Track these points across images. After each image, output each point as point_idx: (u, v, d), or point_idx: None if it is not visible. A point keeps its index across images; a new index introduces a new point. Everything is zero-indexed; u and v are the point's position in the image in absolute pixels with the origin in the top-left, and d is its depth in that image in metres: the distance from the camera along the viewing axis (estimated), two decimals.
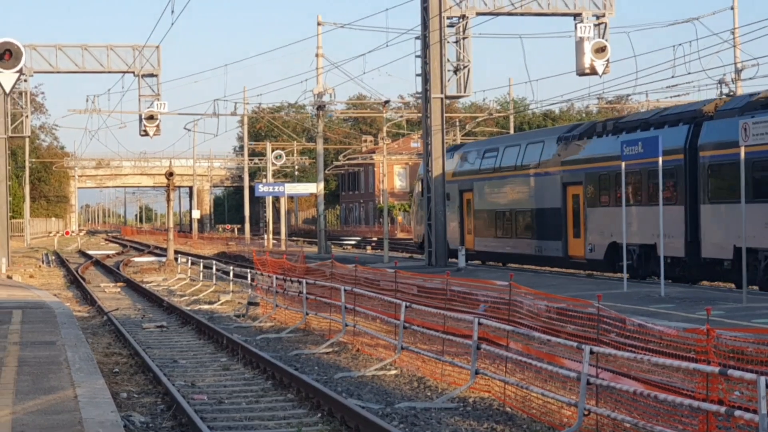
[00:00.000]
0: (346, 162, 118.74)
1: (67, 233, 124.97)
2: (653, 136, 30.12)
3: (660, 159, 28.22)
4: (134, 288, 45.03)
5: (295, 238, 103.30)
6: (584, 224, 39.88)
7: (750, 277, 28.35)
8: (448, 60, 46.05)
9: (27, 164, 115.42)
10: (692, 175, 33.48)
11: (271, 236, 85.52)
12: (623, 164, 30.21)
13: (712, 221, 32.40)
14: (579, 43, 44.86)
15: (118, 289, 45.13)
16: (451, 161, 50.62)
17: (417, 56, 46.52)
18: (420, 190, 50.77)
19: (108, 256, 79.78)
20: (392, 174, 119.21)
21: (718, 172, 32.07)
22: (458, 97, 50.61)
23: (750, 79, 53.12)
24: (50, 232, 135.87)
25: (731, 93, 52.98)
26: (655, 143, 28.61)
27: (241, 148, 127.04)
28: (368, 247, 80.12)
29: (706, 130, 32.96)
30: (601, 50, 44.67)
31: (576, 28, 45.58)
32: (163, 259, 63.22)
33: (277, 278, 31.64)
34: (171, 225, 64.35)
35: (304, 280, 28.84)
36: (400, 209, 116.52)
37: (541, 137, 45.61)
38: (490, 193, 47.75)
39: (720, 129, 32.04)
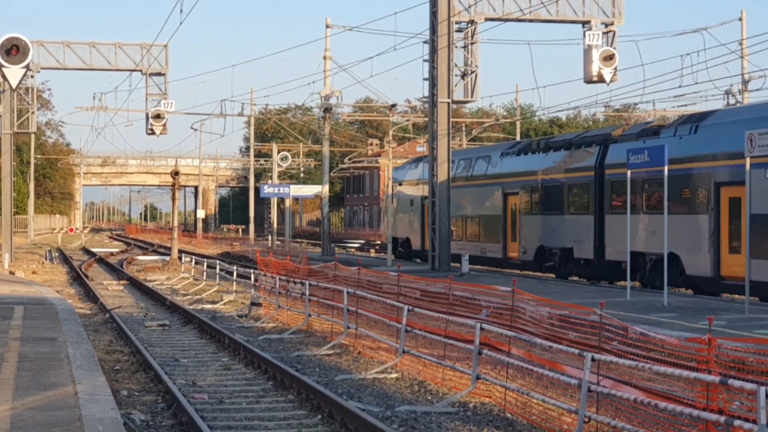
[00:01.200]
0: (352, 165, 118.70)
1: (71, 230, 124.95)
2: (660, 146, 30.24)
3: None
4: (137, 286, 45.05)
5: (299, 240, 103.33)
6: (519, 230, 45.46)
7: (639, 277, 36.44)
8: (456, 65, 46.07)
9: (32, 160, 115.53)
10: (600, 190, 39.24)
11: (275, 237, 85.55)
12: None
13: (613, 229, 37.92)
14: (587, 51, 44.89)
15: (121, 287, 45.14)
16: (415, 171, 57.17)
17: (425, 60, 46.55)
18: (392, 193, 58.72)
19: (112, 253, 79.82)
20: None
21: (618, 188, 37.24)
22: (465, 102, 50.61)
23: (757, 90, 53.33)
24: (54, 229, 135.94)
25: (738, 104, 52.96)
26: (662, 152, 28.69)
27: (248, 148, 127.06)
28: (372, 251, 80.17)
29: (611, 152, 38.59)
30: (609, 58, 44.69)
31: (584, 35, 45.62)
32: (167, 257, 63.24)
33: (280, 279, 31.65)
34: (176, 224, 64.33)
35: (307, 282, 28.86)
36: None
37: (488, 152, 51.02)
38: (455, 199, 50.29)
39: (620, 151, 36.11)
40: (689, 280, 34.39)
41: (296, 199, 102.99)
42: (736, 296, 32.19)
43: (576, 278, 41.25)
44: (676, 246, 33.83)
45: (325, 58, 62.15)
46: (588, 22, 46.86)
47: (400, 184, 59.22)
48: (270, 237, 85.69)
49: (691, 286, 34.80)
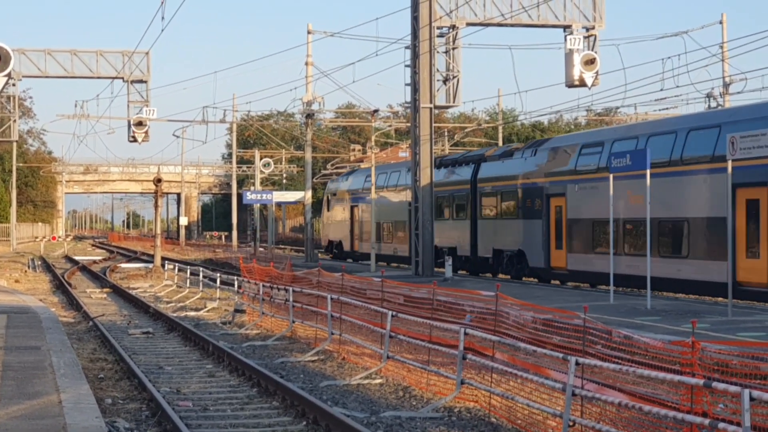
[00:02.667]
0: (334, 171, 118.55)
1: (53, 238, 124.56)
2: (633, 153, 30.40)
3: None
4: (120, 294, 44.95)
5: (282, 246, 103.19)
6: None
7: (500, 269, 45.60)
8: (438, 70, 46.09)
9: (14, 169, 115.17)
10: (474, 200, 48.51)
11: (258, 244, 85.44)
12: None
13: (482, 232, 47.00)
14: (568, 55, 44.94)
15: (105, 295, 45.05)
16: (346, 182, 66.69)
17: (406, 66, 46.57)
18: (327, 198, 66.98)
19: (95, 261, 79.63)
20: None
21: (483, 198, 47.23)
22: (447, 107, 50.76)
23: (738, 93, 53.29)
24: (37, 237, 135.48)
25: (719, 106, 53.11)
26: (644, 155, 28.85)
27: (230, 155, 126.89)
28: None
29: (482, 169, 47.92)
30: (590, 62, 44.76)
31: (566, 39, 45.66)
32: (150, 265, 63.12)
33: (263, 286, 31.62)
34: (158, 231, 64.23)
35: (290, 288, 28.84)
36: None
37: (400, 167, 59.21)
38: (369, 208, 59.50)
39: (488, 168, 47.42)
40: (532, 270, 43.35)
41: (279, 206, 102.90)
42: (709, 297, 32.35)
43: (464, 272, 49.58)
44: (523, 244, 43.72)
45: (306, 64, 62.11)
46: (569, 26, 46.92)
47: (334, 195, 67.03)
48: (253, 244, 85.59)
49: (533, 276, 43.60)
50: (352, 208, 64.43)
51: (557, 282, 42.09)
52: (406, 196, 53.35)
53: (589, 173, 39.04)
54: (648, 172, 28.83)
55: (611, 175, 31.63)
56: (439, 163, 51.67)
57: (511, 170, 45.40)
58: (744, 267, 31.09)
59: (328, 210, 70.00)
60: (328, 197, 69.98)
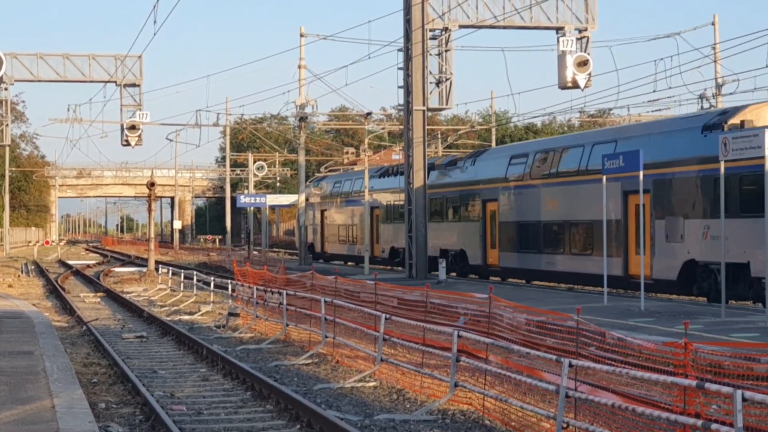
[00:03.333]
0: (328, 174, 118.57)
1: (47, 243, 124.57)
2: (635, 151, 30.56)
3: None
4: (114, 298, 44.91)
5: (276, 249, 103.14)
6: (379, 235, 60.06)
7: (449, 267, 46.63)
8: (431, 72, 46.12)
9: (7, 173, 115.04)
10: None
11: (252, 247, 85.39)
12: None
13: (432, 234, 48.96)
14: (561, 57, 44.96)
15: (98, 299, 45.01)
16: (317, 189, 71.52)
17: (399, 68, 46.60)
18: (303, 204, 68.83)
19: (88, 266, 79.54)
20: None
21: (432, 203, 50.64)
22: (440, 110, 50.71)
23: (731, 94, 53.30)
24: (30, 242, 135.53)
25: (712, 107, 53.15)
26: (637, 157, 28.90)
27: (223, 158, 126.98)
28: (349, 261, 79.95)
29: (431, 176, 50.89)
30: (583, 64, 44.79)
31: (558, 41, 45.67)
32: (144, 269, 63.07)
33: (257, 289, 31.61)
34: (152, 235, 64.16)
35: (284, 292, 28.83)
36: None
37: (360, 176, 62.91)
38: (335, 212, 67.11)
39: (434, 176, 51.61)
40: (472, 268, 47.96)
41: (273, 209, 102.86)
42: (700, 298, 32.43)
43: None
44: (464, 244, 48.65)
45: (299, 67, 62.09)
46: (562, 28, 46.95)
47: (307, 200, 69.44)
48: (247, 247, 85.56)
49: (473, 273, 47.96)
50: (322, 212, 69.90)
51: (497, 279, 46.26)
52: (366, 204, 59.53)
53: (517, 181, 44.12)
54: (641, 173, 28.95)
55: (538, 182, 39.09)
56: (396, 170, 56.99)
57: (455, 178, 50.31)
58: (634, 262, 35.66)
59: (305, 214, 76.28)
60: (306, 203, 75.13)
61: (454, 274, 48.30)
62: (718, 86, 55.27)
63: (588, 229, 38.84)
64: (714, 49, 52.64)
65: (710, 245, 31.68)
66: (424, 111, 45.74)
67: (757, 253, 29.60)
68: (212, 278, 43.63)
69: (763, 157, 24.57)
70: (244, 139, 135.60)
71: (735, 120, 32.51)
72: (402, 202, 52.38)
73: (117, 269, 71.84)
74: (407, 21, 45.41)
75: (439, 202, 51.36)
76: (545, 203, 41.59)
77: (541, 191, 41.72)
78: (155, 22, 40.48)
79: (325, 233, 69.74)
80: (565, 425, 13.78)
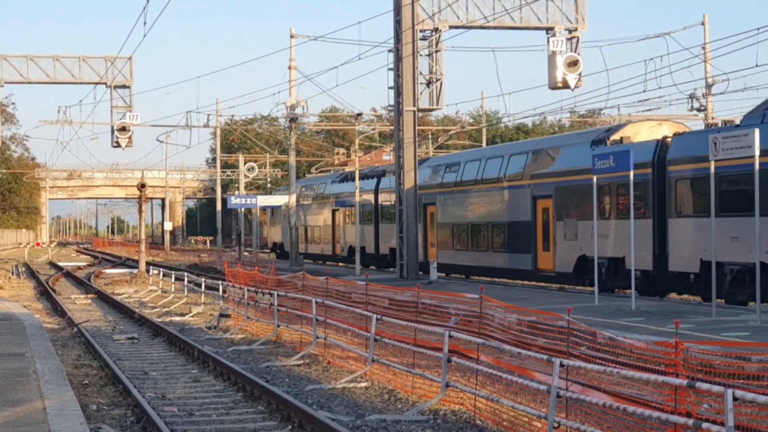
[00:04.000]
0: (319, 174, 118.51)
1: (37, 245, 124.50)
2: (625, 150, 30.80)
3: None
4: (105, 300, 44.86)
5: (266, 250, 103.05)
6: (342, 234, 65.27)
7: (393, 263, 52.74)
8: (421, 73, 46.14)
9: None
10: (377, 208, 59.07)
11: (243, 248, 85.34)
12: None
13: (383, 233, 57.36)
14: (551, 57, 45.01)
15: (89, 301, 44.97)
16: (284, 195, 74.17)
17: (390, 69, 46.61)
18: (294, 204, 72.95)
19: (79, 267, 79.46)
20: None
21: (383, 207, 57.62)
22: (431, 110, 50.79)
23: (721, 93, 53.39)
24: (20, 244, 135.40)
25: (702, 108, 53.25)
26: (627, 157, 29.03)
27: (214, 160, 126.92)
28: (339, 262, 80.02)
29: (382, 182, 58.28)
30: (573, 64, 44.84)
31: (548, 42, 45.72)
32: (135, 270, 63.00)
33: (248, 290, 31.60)
34: (143, 236, 64.11)
35: (275, 292, 28.82)
36: None
37: (326, 179, 71.44)
38: (304, 213, 72.50)
39: (384, 182, 57.54)
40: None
41: (264, 210, 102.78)
42: (689, 297, 32.51)
43: (373, 267, 58.67)
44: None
45: (290, 68, 62.06)
46: (552, 28, 47.00)
47: (298, 201, 72.96)
48: (238, 248, 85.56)
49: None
50: (286, 215, 74.88)
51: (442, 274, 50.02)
52: (331, 204, 66.78)
53: (450, 187, 48.97)
54: (631, 173, 29.06)
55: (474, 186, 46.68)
56: (353, 176, 60.61)
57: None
58: (541, 257, 40.93)
59: (272, 216, 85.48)
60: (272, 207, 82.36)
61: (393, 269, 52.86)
62: (708, 86, 55.33)
63: (505, 229, 44.00)
64: (704, 48, 52.69)
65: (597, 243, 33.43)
66: (414, 112, 45.76)
67: (629, 249, 32.30)
68: (203, 279, 43.59)
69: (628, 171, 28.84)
70: (235, 141, 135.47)
71: (616, 136, 37.17)
72: (363, 205, 59.14)
73: (108, 271, 71.76)
74: (397, 22, 45.42)
75: (387, 205, 56.59)
76: (472, 207, 47.06)
77: (469, 196, 47.27)
78: (145, 23, 40.58)
79: (288, 234, 76.79)
80: (556, 425, 13.79)
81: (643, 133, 37.26)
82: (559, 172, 39.73)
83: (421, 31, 46.07)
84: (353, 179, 59.64)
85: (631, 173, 29.14)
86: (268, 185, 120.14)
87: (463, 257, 47.74)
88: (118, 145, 62.22)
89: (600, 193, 34.22)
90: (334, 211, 66.15)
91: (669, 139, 34.16)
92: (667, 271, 33.49)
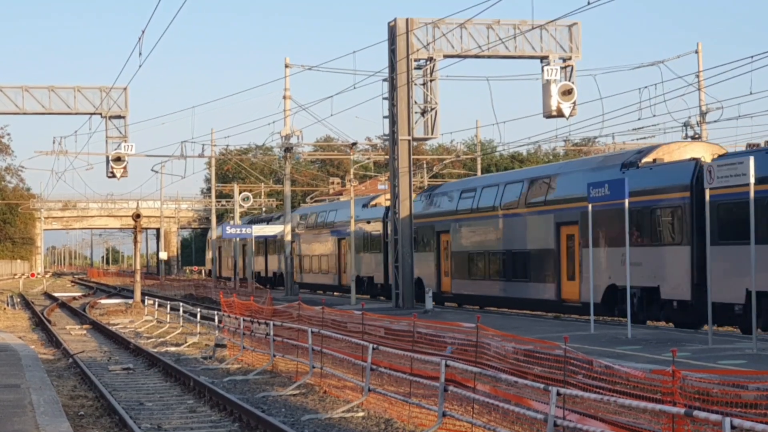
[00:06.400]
0: (314, 204, 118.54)
1: (32, 275, 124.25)
2: (619, 179, 30.79)
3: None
4: (100, 330, 44.77)
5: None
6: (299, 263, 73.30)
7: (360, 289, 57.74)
8: (416, 102, 46.23)
9: None
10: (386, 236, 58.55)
11: (238, 278, 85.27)
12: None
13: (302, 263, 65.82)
14: (546, 86, 45.13)
15: (84, 332, 44.87)
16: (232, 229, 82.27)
17: (384, 98, 46.69)
18: (214, 237, 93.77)
19: (74, 298, 79.32)
20: None
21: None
22: (425, 139, 50.84)
23: (715, 121, 53.46)
24: (15, 274, 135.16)
25: (697, 135, 53.32)
26: (622, 185, 29.03)
27: (209, 189, 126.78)
28: (335, 293, 79.97)
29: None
30: (567, 93, 44.94)
31: (543, 70, 45.83)
32: (130, 300, 62.89)
33: (244, 320, 31.54)
34: (138, 267, 64.05)
35: (271, 322, 28.78)
36: None
37: (280, 213, 79.33)
38: (305, 242, 75.13)
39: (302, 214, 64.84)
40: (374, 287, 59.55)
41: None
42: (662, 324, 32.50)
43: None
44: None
45: (284, 97, 62.13)
46: (546, 57, 47.12)
47: (293, 230, 74.07)
48: (233, 278, 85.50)
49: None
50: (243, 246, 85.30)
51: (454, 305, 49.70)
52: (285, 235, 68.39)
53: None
54: (626, 201, 29.02)
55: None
56: (351, 204, 61.63)
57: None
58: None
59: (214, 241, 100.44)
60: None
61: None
62: (702, 114, 55.42)
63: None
64: (698, 77, 52.84)
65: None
66: (409, 141, 45.83)
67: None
68: (198, 309, 43.52)
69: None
70: (230, 170, 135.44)
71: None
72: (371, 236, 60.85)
73: (103, 301, 71.63)
74: (392, 51, 45.54)
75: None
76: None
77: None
78: (140, 54, 40.51)
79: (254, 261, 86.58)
80: None
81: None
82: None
83: (415, 60, 46.19)
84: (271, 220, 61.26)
85: (626, 201, 28.73)
86: (263, 215, 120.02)
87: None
88: (113, 176, 62.22)
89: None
90: (291, 243, 67.23)
91: (708, 160, 32.09)
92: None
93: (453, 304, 48.97)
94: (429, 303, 43.14)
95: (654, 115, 48.13)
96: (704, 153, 34.74)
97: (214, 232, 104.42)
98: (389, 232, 49.14)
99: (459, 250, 47.72)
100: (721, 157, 32.10)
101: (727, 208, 30.27)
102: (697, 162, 33.03)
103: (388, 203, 56.85)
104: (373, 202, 63.95)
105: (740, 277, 29.24)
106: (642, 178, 34.73)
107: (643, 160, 35.60)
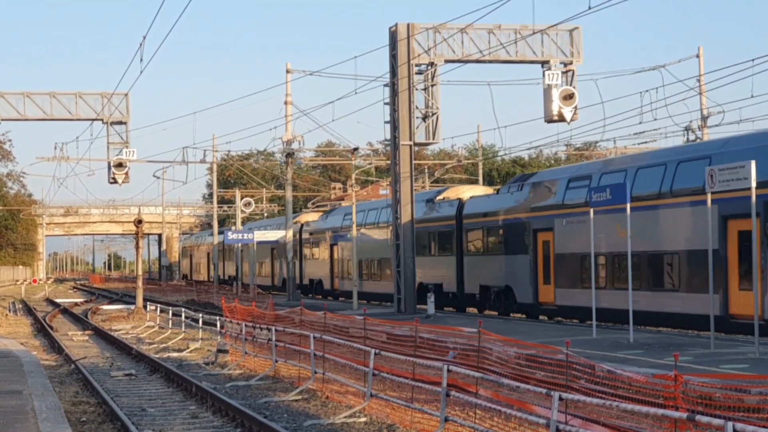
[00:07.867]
0: (315, 209, 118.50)
1: (34, 281, 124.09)
2: (621, 184, 30.60)
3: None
4: (103, 336, 44.76)
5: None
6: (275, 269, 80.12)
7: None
8: (417, 107, 46.19)
9: None
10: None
11: (240, 283, 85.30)
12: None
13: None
14: (547, 90, 45.09)
15: (86, 338, 44.86)
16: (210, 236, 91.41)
17: (386, 103, 46.66)
18: (183, 247, 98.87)
19: (76, 304, 79.32)
20: None
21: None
22: (427, 144, 50.81)
23: (716, 126, 53.48)
24: (17, 281, 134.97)
25: (698, 139, 53.30)
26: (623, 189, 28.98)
27: (210, 195, 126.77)
28: (341, 297, 79.95)
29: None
30: (569, 97, 44.92)
31: (544, 75, 45.81)
32: (132, 306, 62.90)
33: (246, 325, 31.54)
34: (140, 272, 64.09)
35: (273, 328, 28.77)
36: None
37: (269, 224, 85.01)
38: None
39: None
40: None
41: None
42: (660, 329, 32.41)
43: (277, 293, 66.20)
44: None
45: (286, 103, 62.14)
46: (547, 61, 47.09)
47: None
48: (235, 283, 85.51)
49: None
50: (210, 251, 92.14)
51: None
52: (279, 239, 71.09)
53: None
54: (628, 206, 28.99)
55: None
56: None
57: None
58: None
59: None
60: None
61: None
62: (704, 118, 55.44)
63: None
64: (699, 81, 52.84)
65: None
66: (410, 146, 45.82)
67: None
68: (200, 315, 43.51)
69: None
70: (231, 176, 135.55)
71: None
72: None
73: (105, 307, 71.61)
74: (393, 56, 45.54)
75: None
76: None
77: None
78: (142, 59, 40.50)
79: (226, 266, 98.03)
80: None
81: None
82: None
83: (416, 65, 46.16)
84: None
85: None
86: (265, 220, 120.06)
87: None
88: (115, 182, 62.20)
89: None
90: (272, 249, 75.35)
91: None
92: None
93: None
94: (431, 308, 43.11)
95: (655, 119, 48.35)
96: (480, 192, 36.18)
97: (215, 238, 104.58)
98: (392, 236, 48.85)
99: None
100: (473, 197, 42.39)
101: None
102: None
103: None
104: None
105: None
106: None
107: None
